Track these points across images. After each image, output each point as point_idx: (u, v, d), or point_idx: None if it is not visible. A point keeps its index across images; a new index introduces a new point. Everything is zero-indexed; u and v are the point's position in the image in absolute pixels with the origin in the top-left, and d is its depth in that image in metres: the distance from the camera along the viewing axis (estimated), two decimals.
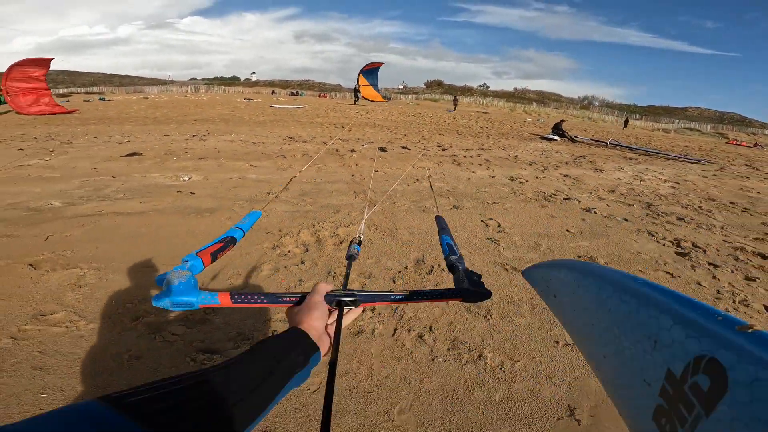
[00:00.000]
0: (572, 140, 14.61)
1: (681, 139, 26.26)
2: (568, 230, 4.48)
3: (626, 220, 5.05)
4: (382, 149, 8.41)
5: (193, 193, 4.91)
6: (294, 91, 45.57)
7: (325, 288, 0.67)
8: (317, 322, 0.60)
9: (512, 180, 6.80)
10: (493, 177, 6.87)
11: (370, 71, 29.56)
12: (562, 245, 3.98)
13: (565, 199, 5.82)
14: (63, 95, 37.83)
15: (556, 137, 14.55)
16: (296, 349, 0.54)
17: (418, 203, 4.99)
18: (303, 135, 10.16)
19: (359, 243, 1.04)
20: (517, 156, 9.23)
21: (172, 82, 56.37)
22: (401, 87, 63.16)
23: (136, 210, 4.22)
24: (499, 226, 4.46)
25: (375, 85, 30.22)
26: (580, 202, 5.71)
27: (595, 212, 5.22)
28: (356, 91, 30.21)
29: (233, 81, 70.86)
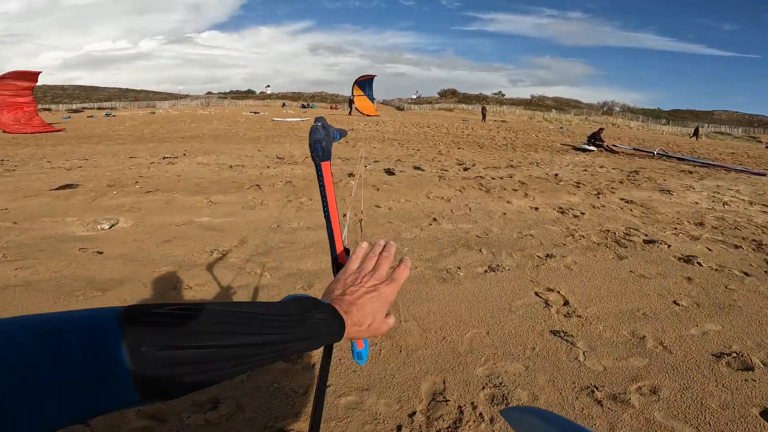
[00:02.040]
0: (611, 151, 12.70)
1: (720, 145, 23.93)
2: (676, 302, 2.79)
3: (747, 274, 3.29)
4: (389, 171, 6.71)
5: (101, 252, 3.29)
6: (305, 104, 44.52)
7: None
8: (368, 320, 0.54)
9: (563, 212, 5.02)
10: (537, 209, 5.10)
11: (365, 82, 29.02)
12: (680, 334, 2.29)
13: (646, 241, 4.06)
14: (75, 111, 37.59)
15: (592, 147, 12.67)
16: (319, 338, 0.47)
17: (435, 264, 3.28)
18: (296, 154, 8.54)
19: None
20: (557, 175, 7.41)
21: (183, 97, 56.06)
22: (415, 97, 61.66)
23: None
24: (566, 302, 2.77)
25: (370, 96, 29.38)
26: (669, 246, 3.93)
27: (698, 263, 3.48)
28: (351, 102, 29.12)
29: (247, 94, 70.64)
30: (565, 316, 2.59)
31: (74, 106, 42.67)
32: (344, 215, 4.40)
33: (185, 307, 0.37)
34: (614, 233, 4.31)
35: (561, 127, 28.76)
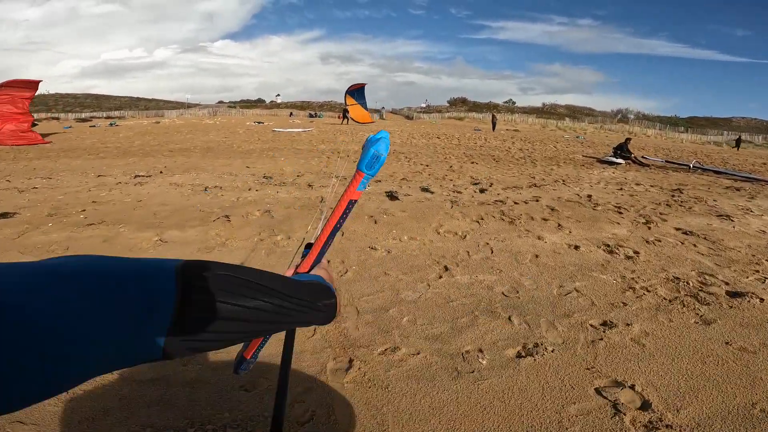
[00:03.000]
0: (641, 164, 11.50)
1: (750, 155, 22.44)
2: None
3: None
4: (392, 195, 5.62)
5: None
6: (312, 113, 43.70)
7: None
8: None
9: (611, 252, 3.93)
10: (577, 248, 3.99)
11: (357, 91, 28.93)
12: None
13: (730, 294, 3.08)
14: (83, 120, 37.28)
15: (619, 160, 11.47)
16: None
17: (445, 345, 2.27)
18: (287, 172, 7.52)
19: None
20: (590, 197, 6.26)
21: (190, 106, 55.90)
22: (424, 106, 60.64)
23: None
24: (646, 404, 1.88)
25: (363, 105, 29.27)
26: (762, 300, 2.87)
27: None
28: (345, 111, 28.67)
29: (257, 103, 70.58)
30: (647, 427, 1.54)
31: (84, 115, 42.47)
32: (346, 270, 3.34)
33: (238, 268, 0.40)
34: (686, 282, 3.23)
35: (577, 137, 27.47)
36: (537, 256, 3.78)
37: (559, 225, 4.73)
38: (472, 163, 9.80)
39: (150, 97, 71.79)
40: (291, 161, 8.76)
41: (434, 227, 4.41)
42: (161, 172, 7.24)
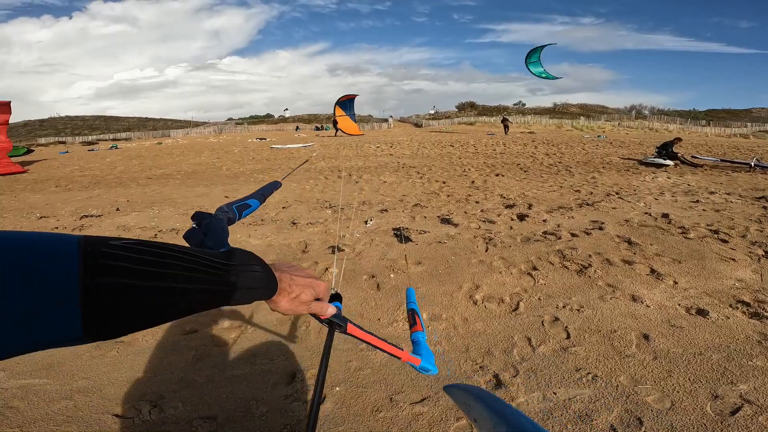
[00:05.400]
0: (692, 164, 9.81)
1: None
2: None
3: None
4: (402, 235, 4.09)
5: None
6: (318, 126, 42.41)
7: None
8: (301, 284, 0.58)
9: (756, 314, 2.45)
10: (705, 313, 2.49)
11: (346, 102, 27.91)
12: None
13: None
14: (89, 143, 36.78)
15: (667, 161, 9.80)
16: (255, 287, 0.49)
17: None
18: (270, 202, 6.07)
19: (339, 299, 0.75)
20: (667, 217, 4.66)
21: (197, 125, 55.45)
22: (432, 112, 59.04)
23: None
24: None
25: (352, 116, 28.21)
26: None
27: None
28: (334, 122, 27.60)
29: (265, 119, 70.26)
30: None
31: (91, 138, 42.11)
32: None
33: (141, 242, 0.37)
34: None
35: (598, 136, 25.67)
36: (647, 338, 2.27)
37: (653, 271, 3.18)
38: (497, 175, 8.21)
39: (159, 117, 71.73)
40: (282, 188, 7.32)
41: (467, 291, 2.89)
42: (117, 210, 5.87)
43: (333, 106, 27.62)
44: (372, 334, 0.68)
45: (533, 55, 28.49)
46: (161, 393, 1.91)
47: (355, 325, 0.67)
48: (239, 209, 0.83)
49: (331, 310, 0.63)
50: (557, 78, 30.32)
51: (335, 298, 0.78)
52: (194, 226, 0.66)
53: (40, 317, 0.29)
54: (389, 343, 0.71)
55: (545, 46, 27.78)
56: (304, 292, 0.57)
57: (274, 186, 1.10)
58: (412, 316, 0.93)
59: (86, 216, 5.53)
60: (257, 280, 0.49)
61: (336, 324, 0.65)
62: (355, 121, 29.01)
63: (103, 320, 0.32)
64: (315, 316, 0.63)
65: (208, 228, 0.64)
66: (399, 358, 0.72)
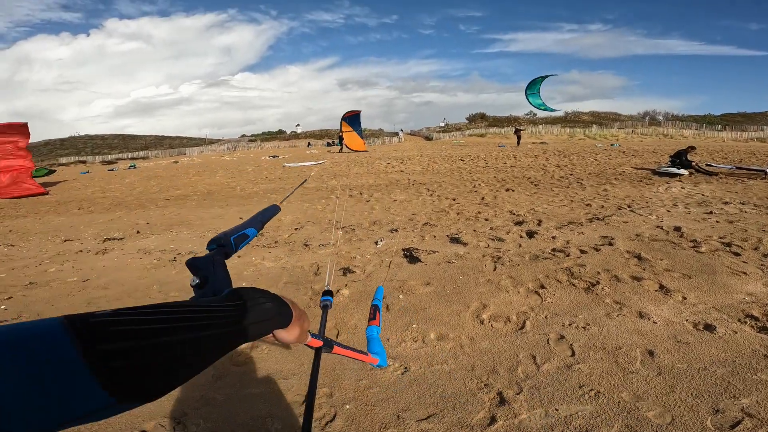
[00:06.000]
0: (707, 173, 9.72)
1: None
2: None
3: None
4: (411, 256, 4.20)
5: None
6: (330, 142, 42.96)
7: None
8: (306, 324, 0.61)
9: (764, 328, 2.47)
10: (712, 328, 2.56)
11: (352, 117, 28.10)
12: None
13: None
14: (109, 162, 37.78)
15: (681, 170, 9.74)
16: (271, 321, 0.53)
17: None
18: (284, 223, 6.21)
19: (330, 294, 1.01)
20: (680, 230, 4.67)
21: (211, 142, 56.62)
22: (442, 125, 59.20)
23: None
24: None
25: (359, 132, 28.50)
26: None
27: None
28: (340, 138, 28.00)
29: (277, 135, 71.22)
30: None
31: (111, 157, 43.11)
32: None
33: (130, 310, 0.38)
34: None
35: (612, 144, 25.52)
36: (651, 354, 2.32)
37: (662, 286, 3.21)
38: (507, 190, 8.29)
39: (175, 135, 73.06)
40: (293, 205, 7.50)
41: (474, 311, 2.97)
42: (138, 232, 6.11)
43: (339, 122, 28.05)
44: (349, 348, 0.80)
45: (533, 86, 28.73)
46: (184, 411, 2.04)
47: (339, 345, 0.77)
48: (236, 241, 0.83)
49: (318, 342, 0.71)
50: (555, 111, 30.43)
51: (327, 293, 1.01)
52: (195, 280, 0.66)
53: (64, 397, 0.30)
54: (359, 351, 0.83)
55: (547, 77, 27.97)
56: (306, 322, 0.61)
57: (274, 211, 1.11)
58: (374, 311, 1.06)
59: (109, 239, 5.78)
60: (268, 311, 0.51)
61: (323, 349, 0.74)
62: (362, 137, 29.31)
63: (127, 382, 0.33)
64: (308, 345, 0.68)
65: (209, 280, 0.65)
66: (367, 363, 0.87)
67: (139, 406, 0.34)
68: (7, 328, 0.31)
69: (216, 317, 0.43)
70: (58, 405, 0.30)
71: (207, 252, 0.76)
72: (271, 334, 0.55)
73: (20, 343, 0.30)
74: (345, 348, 0.78)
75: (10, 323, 0.31)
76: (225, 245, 0.78)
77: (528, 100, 28.97)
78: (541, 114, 53.28)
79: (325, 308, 0.98)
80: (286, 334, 0.56)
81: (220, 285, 0.65)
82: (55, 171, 23.52)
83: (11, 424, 0.28)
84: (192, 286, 0.66)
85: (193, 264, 0.68)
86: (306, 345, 0.66)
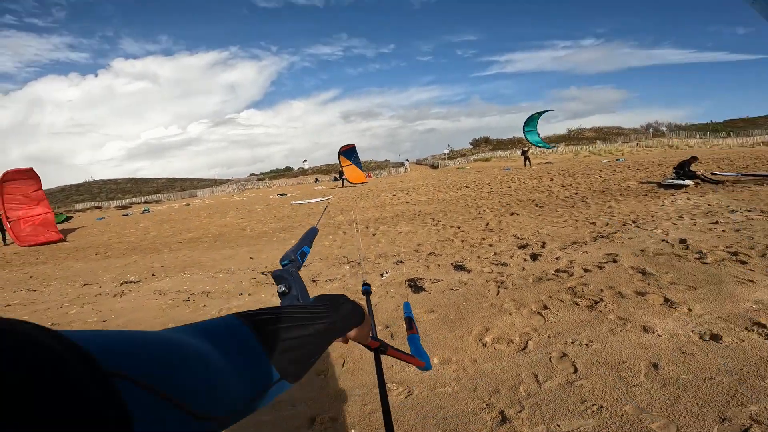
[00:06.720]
0: (713, 182, 9.71)
1: None
2: None
3: None
4: (415, 285, 4.29)
5: None
6: (336, 176, 43.75)
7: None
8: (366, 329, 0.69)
9: None
10: (718, 338, 2.62)
11: (348, 151, 29.04)
12: None
13: None
14: (123, 207, 38.55)
15: (686, 181, 9.75)
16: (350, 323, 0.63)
17: None
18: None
19: (368, 285, 1.19)
20: (686, 242, 4.69)
21: (221, 183, 57.88)
22: (447, 152, 59.97)
23: None
24: None
25: (357, 164, 29.47)
26: None
27: None
28: (341, 173, 28.50)
29: (285, 172, 72.52)
30: None
31: (124, 202, 43.84)
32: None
33: (276, 310, 0.48)
34: None
35: (617, 159, 25.56)
36: (656, 366, 2.34)
37: (667, 299, 3.24)
38: (512, 214, 8.39)
39: (185, 177, 74.73)
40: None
41: (477, 334, 3.03)
42: (153, 275, 6.31)
43: (338, 156, 28.35)
44: (401, 351, 0.86)
45: (531, 123, 29.31)
46: None
47: (392, 348, 0.82)
48: (301, 256, 0.98)
49: (375, 342, 0.77)
50: (554, 147, 31.04)
51: (366, 285, 1.19)
52: (282, 288, 0.79)
53: (251, 373, 0.39)
54: (408, 354, 0.91)
55: (543, 113, 28.55)
56: (369, 325, 0.69)
57: (314, 232, 1.25)
58: (409, 323, 1.15)
59: (126, 282, 5.97)
60: (349, 311, 0.62)
61: (380, 350, 0.79)
62: (361, 169, 29.94)
63: (284, 360, 0.42)
64: (366, 345, 0.75)
65: (292, 288, 0.79)
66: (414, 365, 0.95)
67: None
68: (195, 324, 0.38)
69: (317, 315, 0.53)
70: (250, 381, 0.38)
71: (281, 266, 0.91)
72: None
73: (212, 332, 0.37)
74: (397, 351, 0.84)
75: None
76: (294, 260, 0.93)
77: (526, 137, 29.39)
78: (544, 133, 53.34)
79: (366, 294, 1.16)
80: (357, 332, 0.65)
81: (301, 291, 0.79)
82: (72, 218, 24.19)
83: (224, 406, 0.34)
84: (279, 293, 0.79)
85: (279, 276, 0.82)
86: (365, 345, 0.74)
